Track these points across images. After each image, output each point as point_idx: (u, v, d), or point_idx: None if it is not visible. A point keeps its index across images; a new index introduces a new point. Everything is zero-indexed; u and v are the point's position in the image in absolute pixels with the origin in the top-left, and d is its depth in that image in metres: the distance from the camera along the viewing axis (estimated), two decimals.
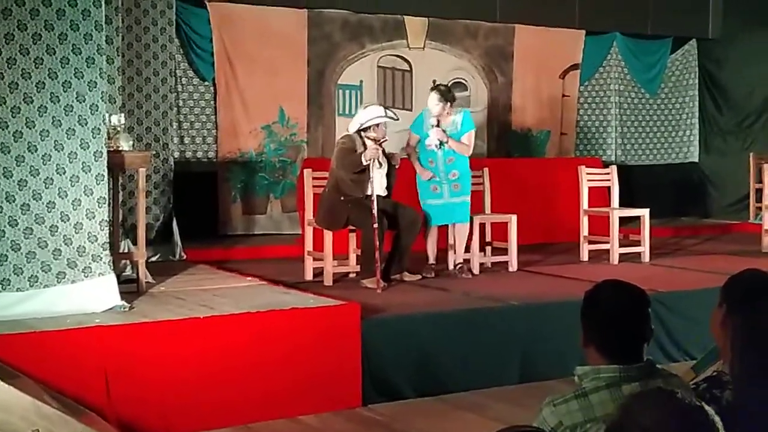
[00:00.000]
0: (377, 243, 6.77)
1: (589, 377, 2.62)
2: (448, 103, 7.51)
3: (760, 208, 10.19)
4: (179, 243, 8.21)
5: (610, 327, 2.65)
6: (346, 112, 10.34)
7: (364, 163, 6.92)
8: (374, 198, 6.80)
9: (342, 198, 7.05)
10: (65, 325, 5.03)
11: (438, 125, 7.42)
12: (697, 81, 12.71)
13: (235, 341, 5.29)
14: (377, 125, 7.05)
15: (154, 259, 7.67)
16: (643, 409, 1.78)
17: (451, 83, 10.90)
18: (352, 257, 7.47)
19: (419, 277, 7.34)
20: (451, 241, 7.74)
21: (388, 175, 7.17)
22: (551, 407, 2.59)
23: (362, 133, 7.09)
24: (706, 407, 1.78)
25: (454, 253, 7.70)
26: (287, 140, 10.06)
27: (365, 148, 7.00)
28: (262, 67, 9.83)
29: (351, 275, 7.39)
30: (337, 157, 7.11)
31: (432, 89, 7.67)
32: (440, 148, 7.46)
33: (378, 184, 7.02)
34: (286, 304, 5.74)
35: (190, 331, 5.22)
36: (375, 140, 7.00)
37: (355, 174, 6.99)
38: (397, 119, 7.42)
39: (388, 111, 7.33)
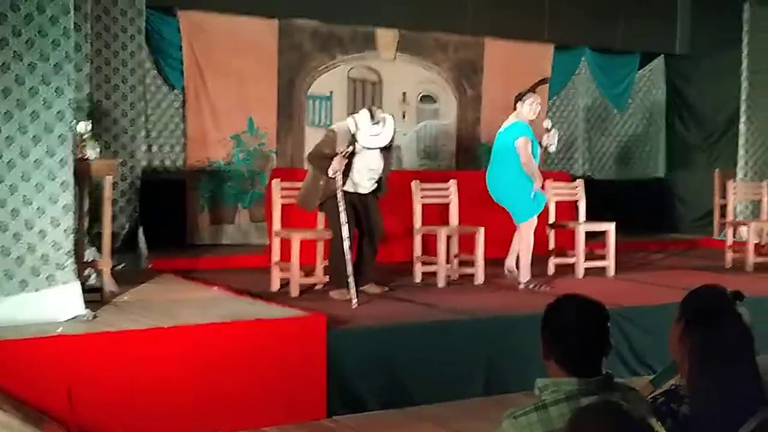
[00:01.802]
0: (347, 253, 6.76)
1: (549, 390, 2.65)
2: None
3: (724, 224, 10.28)
4: (145, 252, 8.16)
5: (569, 340, 2.68)
6: (316, 122, 10.35)
7: (330, 174, 6.93)
8: (340, 196, 6.87)
9: (321, 182, 7.03)
10: (28, 334, 4.99)
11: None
12: (664, 97, 12.84)
13: (199, 351, 5.27)
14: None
15: (119, 267, 7.60)
16: (588, 423, 1.81)
17: (420, 96, 10.97)
18: (319, 269, 7.45)
19: (385, 288, 7.34)
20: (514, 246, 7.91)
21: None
22: (511, 419, 2.61)
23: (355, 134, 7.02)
24: (652, 421, 1.80)
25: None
26: (256, 150, 10.04)
27: (349, 145, 6.96)
28: (231, 76, 9.81)
29: (318, 287, 7.38)
30: (317, 144, 7.20)
31: (530, 94, 7.86)
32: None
33: (360, 180, 7.08)
34: (251, 315, 5.73)
35: (154, 341, 5.20)
36: (340, 153, 6.94)
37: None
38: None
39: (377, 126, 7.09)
